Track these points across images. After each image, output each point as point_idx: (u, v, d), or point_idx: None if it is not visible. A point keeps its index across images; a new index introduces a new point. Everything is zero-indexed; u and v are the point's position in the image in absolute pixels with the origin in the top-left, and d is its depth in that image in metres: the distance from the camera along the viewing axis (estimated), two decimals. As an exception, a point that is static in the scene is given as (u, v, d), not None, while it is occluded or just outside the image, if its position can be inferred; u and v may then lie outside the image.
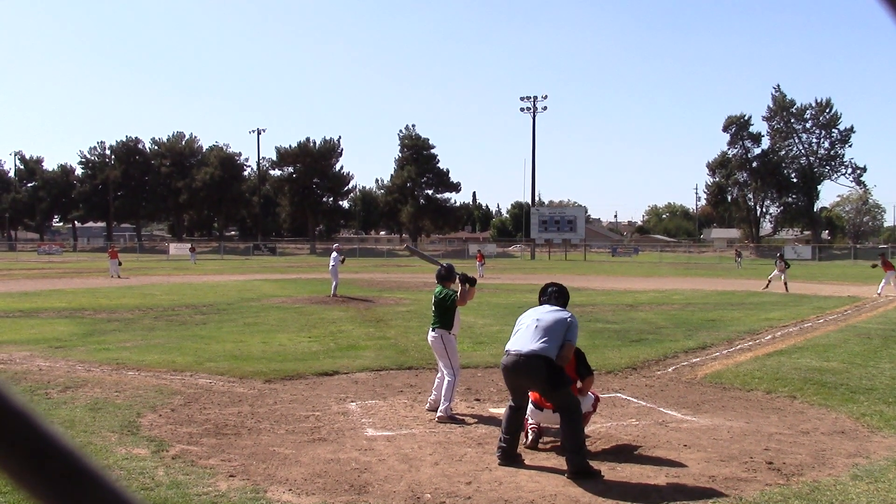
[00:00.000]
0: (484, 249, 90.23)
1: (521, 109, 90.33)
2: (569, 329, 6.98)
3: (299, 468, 6.65)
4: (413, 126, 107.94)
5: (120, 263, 39.69)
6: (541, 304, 7.58)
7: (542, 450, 7.44)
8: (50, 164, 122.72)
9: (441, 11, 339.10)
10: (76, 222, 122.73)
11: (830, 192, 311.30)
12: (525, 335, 7.02)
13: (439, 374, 9.09)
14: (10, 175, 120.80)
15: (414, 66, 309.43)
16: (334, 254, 27.14)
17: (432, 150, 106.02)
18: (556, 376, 6.80)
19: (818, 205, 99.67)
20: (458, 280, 9.14)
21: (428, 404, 9.13)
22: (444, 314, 8.98)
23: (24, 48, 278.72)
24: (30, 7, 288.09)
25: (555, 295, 7.59)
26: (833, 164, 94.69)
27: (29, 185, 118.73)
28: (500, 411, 8.93)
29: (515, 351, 6.95)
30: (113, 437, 7.54)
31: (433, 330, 9.06)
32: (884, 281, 29.50)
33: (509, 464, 6.84)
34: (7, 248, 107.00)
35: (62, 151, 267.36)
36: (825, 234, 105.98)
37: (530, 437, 7.56)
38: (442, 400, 8.69)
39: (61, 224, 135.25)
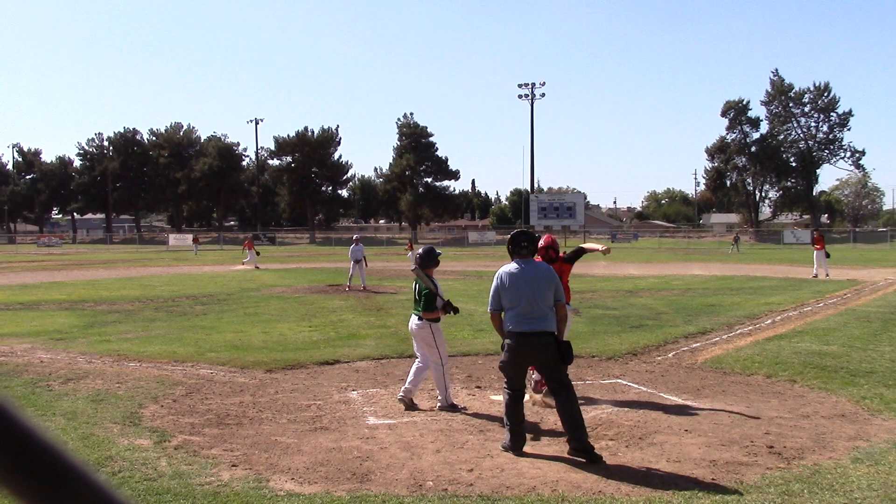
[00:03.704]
0: (483, 237, 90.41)
1: (520, 96, 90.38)
2: (556, 289, 7.14)
3: (301, 457, 6.67)
4: (411, 114, 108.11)
5: (258, 253, 40.79)
6: (514, 256, 7.36)
7: (544, 432, 7.45)
8: (48, 156, 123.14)
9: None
10: (75, 214, 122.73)
11: (829, 176, 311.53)
12: (528, 310, 6.99)
13: (418, 362, 8.74)
14: (8, 168, 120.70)
15: (412, 54, 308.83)
16: (355, 246, 26.02)
17: (431, 138, 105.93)
18: (565, 350, 6.95)
19: (817, 189, 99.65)
20: (441, 308, 8.65)
21: (401, 393, 8.68)
22: (428, 300, 8.67)
23: (21, 41, 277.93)
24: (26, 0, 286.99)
25: (529, 249, 7.41)
26: (832, 147, 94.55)
27: (27, 177, 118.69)
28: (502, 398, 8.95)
29: (529, 330, 6.95)
30: (115, 429, 7.55)
31: (419, 318, 8.74)
32: (815, 259, 30.05)
33: (523, 453, 6.81)
34: (6, 241, 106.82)
35: (60, 143, 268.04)
36: (824, 218, 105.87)
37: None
38: (438, 391, 8.65)
39: (60, 216, 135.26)
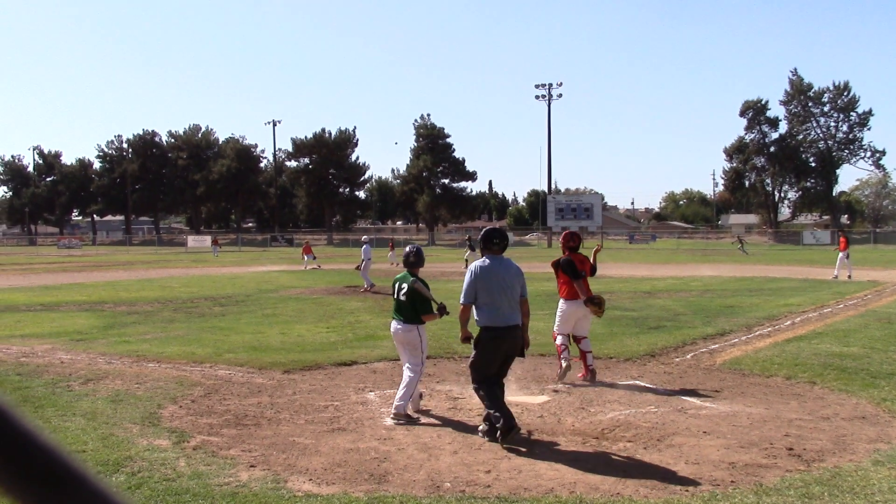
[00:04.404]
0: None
1: (536, 97, 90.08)
2: (522, 285, 7.68)
3: (319, 458, 6.68)
4: (428, 115, 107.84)
5: (315, 257, 41.99)
6: (486, 252, 7.77)
7: (561, 434, 7.43)
8: (68, 159, 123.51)
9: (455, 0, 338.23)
10: (95, 216, 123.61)
11: (849, 176, 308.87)
12: (506, 305, 7.46)
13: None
14: (29, 170, 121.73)
15: (429, 55, 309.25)
16: (366, 246, 26.45)
17: (448, 140, 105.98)
18: (524, 345, 7.66)
19: (837, 189, 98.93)
20: (437, 311, 8.30)
21: (410, 406, 8.28)
22: (424, 304, 8.34)
23: (41, 44, 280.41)
24: (46, 2, 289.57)
25: (501, 245, 7.79)
26: (852, 147, 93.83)
27: (48, 179, 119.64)
28: (520, 399, 8.94)
29: (512, 324, 7.46)
30: (134, 429, 7.60)
31: (407, 322, 8.32)
32: (838, 261, 29.80)
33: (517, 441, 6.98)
34: (27, 243, 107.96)
35: (80, 146, 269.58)
36: (844, 219, 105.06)
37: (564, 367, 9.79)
38: (400, 397, 8.12)
39: (80, 218, 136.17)
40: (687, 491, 5.80)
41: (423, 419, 8.15)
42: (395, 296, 8.49)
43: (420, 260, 8.67)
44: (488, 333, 7.43)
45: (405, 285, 8.36)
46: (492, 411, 7.21)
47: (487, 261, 7.66)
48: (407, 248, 8.81)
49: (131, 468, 6.29)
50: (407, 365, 8.35)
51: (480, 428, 7.45)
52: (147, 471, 6.22)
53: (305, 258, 41.26)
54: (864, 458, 6.53)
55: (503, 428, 7.05)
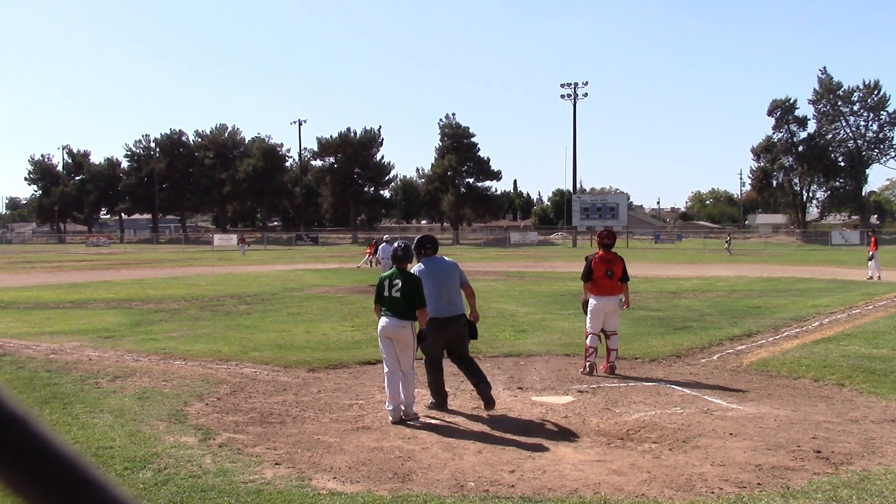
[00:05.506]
0: (525, 237, 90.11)
1: (562, 96, 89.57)
2: (461, 275, 8.85)
3: (344, 456, 6.70)
4: (453, 115, 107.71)
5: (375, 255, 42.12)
6: (420, 257, 8.86)
7: (585, 434, 7.40)
8: (97, 158, 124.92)
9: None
10: (123, 214, 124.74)
11: (879, 176, 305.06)
12: (445, 298, 8.57)
13: (388, 371, 8.22)
14: (58, 169, 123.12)
15: (454, 54, 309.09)
16: (385, 245, 26.43)
17: (473, 139, 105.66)
18: (472, 329, 8.84)
19: (866, 189, 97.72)
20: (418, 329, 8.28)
21: (392, 415, 8.03)
22: (420, 298, 8.20)
23: (71, 45, 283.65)
24: (75, 4, 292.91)
25: (432, 248, 8.95)
26: (882, 147, 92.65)
27: (77, 178, 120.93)
28: (545, 400, 8.93)
29: (448, 315, 8.54)
30: (161, 426, 7.66)
31: (401, 318, 8.17)
32: (870, 261, 29.45)
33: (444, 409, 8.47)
34: (56, 241, 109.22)
35: (108, 145, 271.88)
36: (874, 219, 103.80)
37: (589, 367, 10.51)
38: (406, 399, 8.09)
39: (108, 216, 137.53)
40: (713, 493, 5.75)
41: (448, 418, 8.15)
42: (387, 293, 8.25)
43: (408, 255, 8.54)
44: (432, 323, 8.35)
45: (398, 281, 8.21)
46: (431, 389, 8.69)
47: (422, 265, 8.75)
48: (395, 244, 8.74)
49: (158, 465, 6.35)
50: (401, 369, 8.17)
51: (428, 404, 8.67)
52: (173, 467, 6.27)
53: (366, 257, 41.16)
54: (894, 461, 6.45)
55: (430, 405, 8.61)
